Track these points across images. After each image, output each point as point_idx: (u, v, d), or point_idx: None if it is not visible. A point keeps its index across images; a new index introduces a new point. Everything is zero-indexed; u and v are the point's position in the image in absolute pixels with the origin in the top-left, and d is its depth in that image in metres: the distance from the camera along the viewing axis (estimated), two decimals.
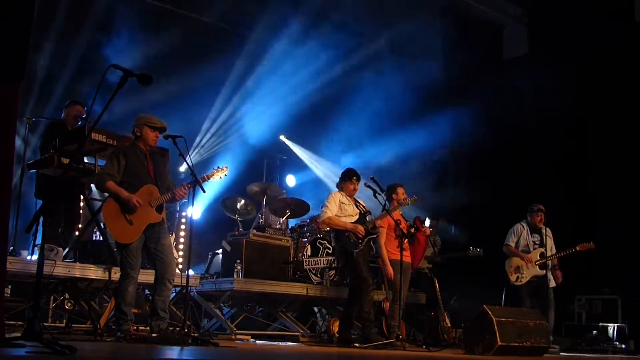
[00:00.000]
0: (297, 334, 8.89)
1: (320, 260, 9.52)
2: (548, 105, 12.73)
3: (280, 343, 8.24)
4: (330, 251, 9.60)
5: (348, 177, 8.52)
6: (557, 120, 12.94)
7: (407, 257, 8.67)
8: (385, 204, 8.50)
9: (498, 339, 6.86)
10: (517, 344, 7.00)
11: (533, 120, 13.56)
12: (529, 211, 9.79)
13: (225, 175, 7.37)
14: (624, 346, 10.71)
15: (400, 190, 8.80)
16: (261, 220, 9.91)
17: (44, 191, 7.75)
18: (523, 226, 9.80)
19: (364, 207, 8.54)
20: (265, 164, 12.80)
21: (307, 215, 10.54)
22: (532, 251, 9.58)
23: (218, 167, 7.30)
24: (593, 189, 13.11)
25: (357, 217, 8.33)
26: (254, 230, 9.35)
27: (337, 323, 8.63)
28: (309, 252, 9.52)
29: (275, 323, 9.38)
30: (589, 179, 13.19)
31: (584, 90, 13.13)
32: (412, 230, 8.68)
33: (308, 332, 9.11)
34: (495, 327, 6.91)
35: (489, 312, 7.05)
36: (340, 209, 8.33)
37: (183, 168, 10.46)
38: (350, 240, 8.12)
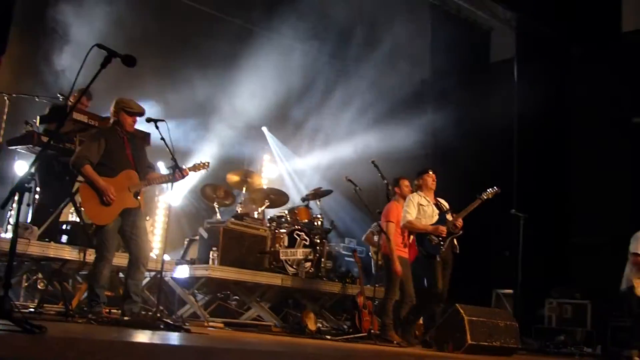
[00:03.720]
0: (270, 324, 8.90)
1: (296, 251, 9.49)
2: (531, 110, 12.80)
3: (252, 332, 8.24)
4: (307, 243, 9.61)
5: (424, 171, 8.44)
6: (539, 126, 13.04)
7: (406, 253, 8.63)
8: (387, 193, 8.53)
9: (468, 337, 6.92)
10: (486, 344, 7.06)
11: (516, 124, 13.65)
12: None
13: (207, 170, 7.39)
14: (590, 350, 10.84)
15: (403, 183, 8.74)
16: (240, 209, 9.89)
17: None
18: None
19: (445, 205, 8.41)
20: (247, 154, 12.77)
21: (287, 206, 10.55)
22: None
23: (201, 162, 7.30)
24: (571, 194, 13.27)
25: (438, 217, 8.21)
26: (232, 219, 9.33)
27: (310, 315, 8.67)
28: (285, 243, 9.48)
29: (249, 312, 9.37)
30: (567, 184, 13.34)
31: (567, 97, 13.28)
32: None
33: (281, 322, 9.12)
34: (466, 326, 6.97)
35: (461, 311, 7.11)
36: (419, 211, 8.22)
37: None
38: (432, 243, 8.01)
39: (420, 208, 8.23)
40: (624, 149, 12.33)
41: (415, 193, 8.41)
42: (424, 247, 8.08)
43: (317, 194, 10.52)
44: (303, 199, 10.48)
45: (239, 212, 9.77)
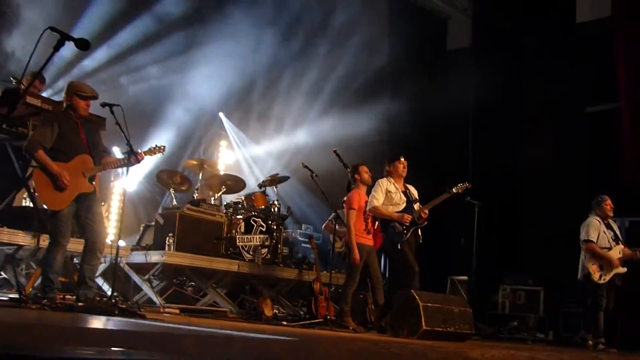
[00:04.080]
0: (226, 310, 8.90)
1: (253, 237, 9.51)
2: (487, 99, 12.94)
3: (208, 318, 8.22)
4: (264, 229, 9.62)
5: (395, 157, 8.41)
6: (494, 114, 13.19)
7: (371, 240, 8.62)
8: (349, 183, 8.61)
9: (423, 323, 6.94)
10: (441, 329, 7.09)
11: (471, 112, 13.80)
12: (597, 204, 9.36)
13: (162, 154, 7.33)
14: (542, 336, 11.04)
15: (362, 169, 8.69)
16: (196, 195, 9.84)
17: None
18: (599, 221, 9.27)
19: (413, 195, 8.40)
20: (203, 139, 12.70)
21: (243, 192, 10.53)
22: (612, 248, 9.17)
23: (156, 146, 7.23)
24: (525, 184, 13.47)
25: (405, 205, 8.21)
26: (189, 205, 9.28)
27: (266, 301, 8.68)
28: (242, 229, 9.48)
29: (205, 298, 9.36)
30: (522, 173, 13.53)
31: (522, 86, 13.45)
32: None
33: (237, 308, 9.12)
34: (421, 312, 6.99)
35: (416, 297, 7.16)
36: (387, 198, 8.20)
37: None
38: (396, 231, 8.02)
39: (388, 194, 8.25)
40: (578, 139, 12.54)
41: (384, 179, 8.41)
42: (387, 234, 8.14)
43: (274, 180, 10.50)
44: (260, 185, 10.44)
45: (195, 198, 9.72)
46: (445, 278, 12.28)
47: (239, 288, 10.09)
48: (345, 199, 8.76)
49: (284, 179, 10.72)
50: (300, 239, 11.72)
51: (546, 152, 12.80)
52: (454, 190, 8.40)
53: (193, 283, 9.72)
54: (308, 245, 10.32)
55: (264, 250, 9.55)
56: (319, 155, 10.67)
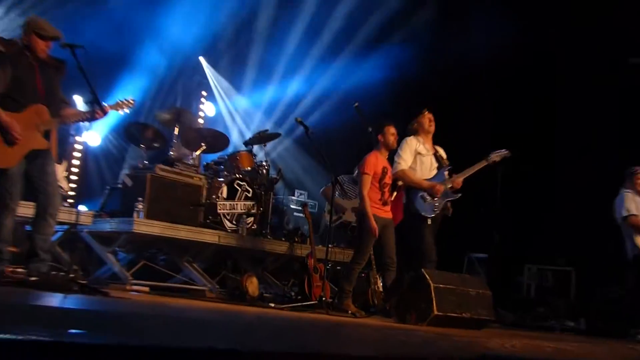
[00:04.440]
0: (205, 288, 8.92)
1: (237, 204, 9.50)
2: (511, 48, 12.81)
3: (183, 298, 8.24)
4: (249, 194, 9.61)
5: (420, 112, 8.35)
6: (521, 65, 13.06)
7: (389, 213, 8.48)
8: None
9: (435, 307, 6.93)
10: (455, 315, 7.10)
11: (493, 63, 13.68)
12: (629, 176, 9.60)
13: (132, 108, 7.28)
14: (573, 324, 11.09)
15: (389, 130, 8.43)
16: (171, 152, 9.80)
17: None
18: (632, 194, 9.51)
19: (444, 159, 8.35)
20: (180, 87, 12.64)
21: (226, 150, 10.50)
22: None
23: (124, 99, 7.19)
24: (553, 142, 13.36)
25: (436, 172, 8.17)
26: (162, 165, 9.22)
27: (251, 279, 8.69)
28: (224, 195, 9.44)
29: (180, 275, 9.36)
30: (548, 131, 13.42)
31: (553, 32, 13.31)
32: (400, 183, 8.50)
33: (217, 287, 9.14)
34: (433, 295, 6.99)
35: (427, 276, 7.14)
36: (415, 161, 8.15)
37: None
38: (425, 202, 7.96)
39: (417, 157, 8.19)
40: (616, 94, 12.45)
41: (412, 137, 8.34)
42: (414, 205, 8.06)
43: (263, 138, 10.48)
44: (246, 143, 10.44)
45: (170, 156, 9.69)
46: (461, 255, 12.32)
47: (220, 263, 10.11)
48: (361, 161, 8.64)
49: (275, 136, 10.70)
50: (292, 207, 11.73)
51: (579, 111, 12.71)
52: (492, 157, 8.34)
53: (165, 256, 9.71)
54: (301, 215, 10.33)
55: (250, 220, 9.55)
56: (317, 109, 10.62)
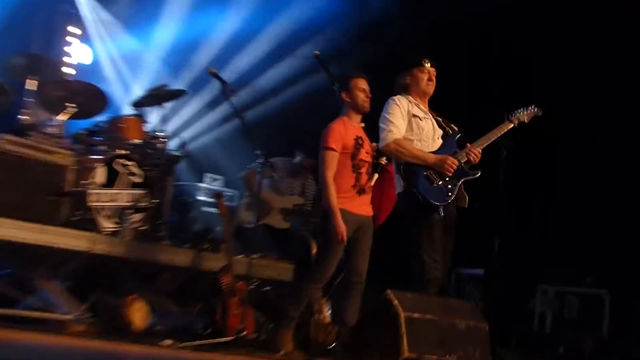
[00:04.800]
0: (67, 317, 8.72)
1: (119, 194, 9.40)
2: None
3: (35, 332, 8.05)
4: (138, 180, 9.51)
5: (416, 62, 8.19)
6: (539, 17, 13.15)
7: (367, 207, 8.29)
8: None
9: (405, 347, 6.92)
10: (435, 358, 7.10)
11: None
12: None
13: None
14: None
15: (356, 84, 8.20)
16: (22, 117, 9.65)
17: None
18: None
19: (450, 125, 8.20)
20: (37, 23, 12.49)
21: (106, 114, 10.34)
22: None
23: None
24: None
25: (441, 141, 8.10)
26: (8, 135, 9.05)
27: (138, 304, 8.55)
28: (100, 179, 9.33)
29: (32, 298, 9.19)
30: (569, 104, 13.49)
31: None
32: (384, 160, 8.29)
33: (87, 315, 8.96)
34: (403, 328, 6.97)
35: (395, 301, 7.09)
36: (410, 125, 8.00)
37: None
38: (432, 185, 7.76)
39: (414, 121, 8.06)
40: None
41: (401, 96, 8.18)
42: (416, 190, 7.85)
43: (160, 97, 10.42)
44: (135, 104, 10.35)
45: (20, 122, 9.51)
46: (448, 270, 12.36)
47: (92, 281, 9.97)
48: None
49: (177, 93, 10.62)
50: (201, 198, 11.67)
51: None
52: (518, 117, 8.25)
53: (11, 271, 9.55)
54: (214, 210, 10.30)
55: (138, 217, 9.44)
56: (239, 57, 10.56)
